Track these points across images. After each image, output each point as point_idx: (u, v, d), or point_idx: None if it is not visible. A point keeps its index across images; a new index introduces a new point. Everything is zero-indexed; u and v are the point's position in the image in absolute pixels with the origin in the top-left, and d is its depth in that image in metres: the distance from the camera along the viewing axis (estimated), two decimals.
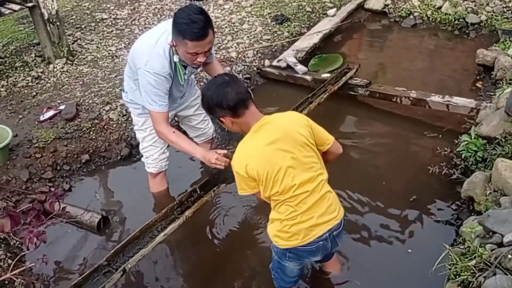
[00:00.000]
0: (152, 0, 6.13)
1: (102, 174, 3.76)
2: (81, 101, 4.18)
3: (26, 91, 4.37)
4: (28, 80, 4.52)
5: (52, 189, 3.47)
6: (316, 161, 2.21)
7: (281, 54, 4.96)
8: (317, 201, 2.19)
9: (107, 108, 4.09)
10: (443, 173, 3.25)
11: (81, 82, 4.47)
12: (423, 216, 3.13)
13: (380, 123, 4.10)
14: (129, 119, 3.90)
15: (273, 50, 5.08)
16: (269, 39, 5.18)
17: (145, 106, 2.78)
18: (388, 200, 3.26)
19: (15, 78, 4.54)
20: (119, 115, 4.04)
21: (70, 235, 3.19)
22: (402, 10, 5.75)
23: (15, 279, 2.15)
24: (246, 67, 4.78)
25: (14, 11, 4.61)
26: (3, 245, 3.02)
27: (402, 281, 2.72)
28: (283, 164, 2.12)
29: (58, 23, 4.65)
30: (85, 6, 6.02)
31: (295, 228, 2.18)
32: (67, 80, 4.52)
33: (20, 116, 4.03)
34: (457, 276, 2.26)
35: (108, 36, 5.34)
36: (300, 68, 4.65)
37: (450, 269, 2.33)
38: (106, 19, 5.70)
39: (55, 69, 4.65)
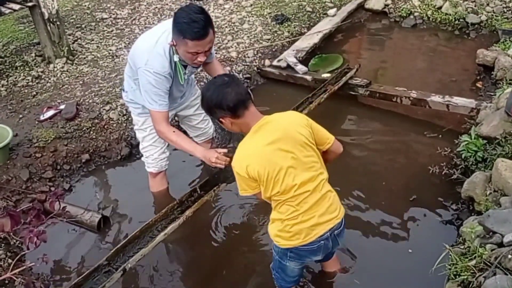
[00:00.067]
0: None
1: (102, 174, 3.76)
2: (81, 100, 4.18)
3: (26, 91, 4.37)
4: (28, 79, 4.52)
5: (52, 188, 3.47)
6: (316, 160, 2.21)
7: (281, 54, 4.96)
8: (318, 200, 2.19)
9: (107, 107, 4.09)
10: (443, 173, 3.25)
11: (81, 82, 4.47)
12: (423, 216, 3.13)
13: (380, 123, 4.10)
14: (129, 118, 3.90)
15: (273, 50, 5.08)
16: (269, 39, 5.18)
17: (145, 105, 2.78)
18: (388, 200, 3.26)
19: (15, 78, 4.54)
20: (119, 115, 4.04)
21: (70, 235, 3.19)
22: (402, 10, 5.75)
23: (15, 278, 2.14)
24: (246, 67, 4.78)
25: (14, 10, 4.61)
26: (3, 244, 3.02)
27: (402, 281, 2.72)
28: (284, 164, 2.12)
29: (58, 23, 4.65)
30: (85, 5, 6.02)
31: (297, 228, 2.19)
32: (67, 80, 4.52)
33: (20, 116, 4.03)
34: (457, 276, 2.26)
35: (108, 35, 5.34)
36: (300, 68, 4.65)
37: (450, 269, 2.33)
38: (106, 18, 5.70)
39: (55, 69, 4.65)
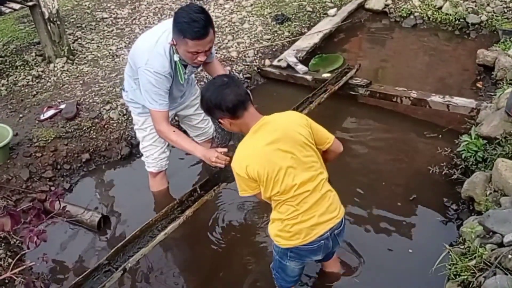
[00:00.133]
0: None
1: (102, 173, 3.76)
2: (82, 100, 4.18)
3: (26, 90, 4.37)
4: (28, 79, 4.51)
5: (53, 188, 3.47)
6: (316, 160, 2.21)
7: (282, 53, 4.96)
8: (318, 200, 2.19)
9: (107, 107, 4.09)
10: (443, 173, 3.25)
11: (81, 81, 4.47)
12: (423, 216, 3.13)
13: (380, 123, 4.10)
14: (130, 118, 3.90)
15: (274, 49, 5.08)
16: (269, 39, 5.18)
17: (145, 105, 2.78)
18: (388, 200, 3.26)
19: (16, 77, 4.54)
20: (120, 114, 4.04)
21: (70, 234, 3.19)
22: (402, 10, 5.75)
23: (15, 278, 2.14)
24: (246, 66, 4.78)
25: (15, 10, 4.61)
26: (3, 244, 3.02)
27: (402, 281, 2.72)
28: (283, 164, 2.12)
29: (58, 22, 4.65)
30: (85, 5, 6.02)
31: (297, 228, 2.19)
32: (67, 79, 4.52)
33: (21, 115, 4.03)
34: (457, 276, 2.27)
35: (108, 35, 5.34)
36: (301, 68, 4.65)
37: (450, 269, 2.34)
38: (106, 18, 5.70)
39: (56, 68, 4.65)
